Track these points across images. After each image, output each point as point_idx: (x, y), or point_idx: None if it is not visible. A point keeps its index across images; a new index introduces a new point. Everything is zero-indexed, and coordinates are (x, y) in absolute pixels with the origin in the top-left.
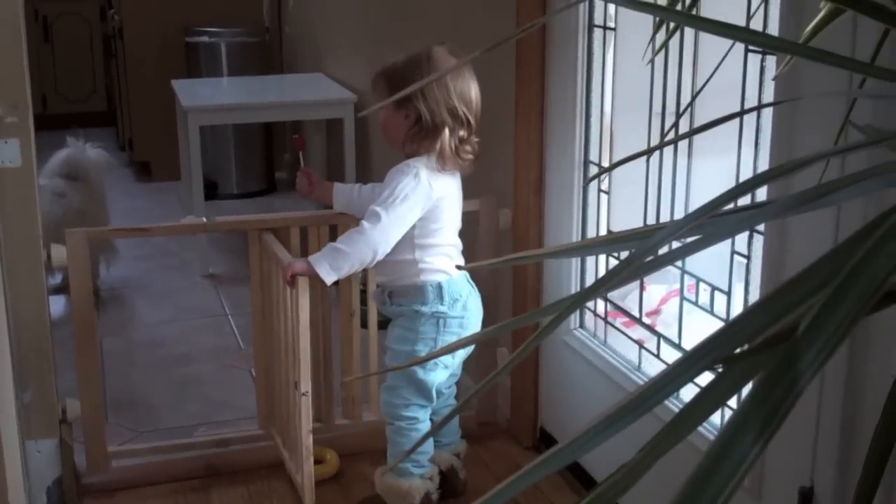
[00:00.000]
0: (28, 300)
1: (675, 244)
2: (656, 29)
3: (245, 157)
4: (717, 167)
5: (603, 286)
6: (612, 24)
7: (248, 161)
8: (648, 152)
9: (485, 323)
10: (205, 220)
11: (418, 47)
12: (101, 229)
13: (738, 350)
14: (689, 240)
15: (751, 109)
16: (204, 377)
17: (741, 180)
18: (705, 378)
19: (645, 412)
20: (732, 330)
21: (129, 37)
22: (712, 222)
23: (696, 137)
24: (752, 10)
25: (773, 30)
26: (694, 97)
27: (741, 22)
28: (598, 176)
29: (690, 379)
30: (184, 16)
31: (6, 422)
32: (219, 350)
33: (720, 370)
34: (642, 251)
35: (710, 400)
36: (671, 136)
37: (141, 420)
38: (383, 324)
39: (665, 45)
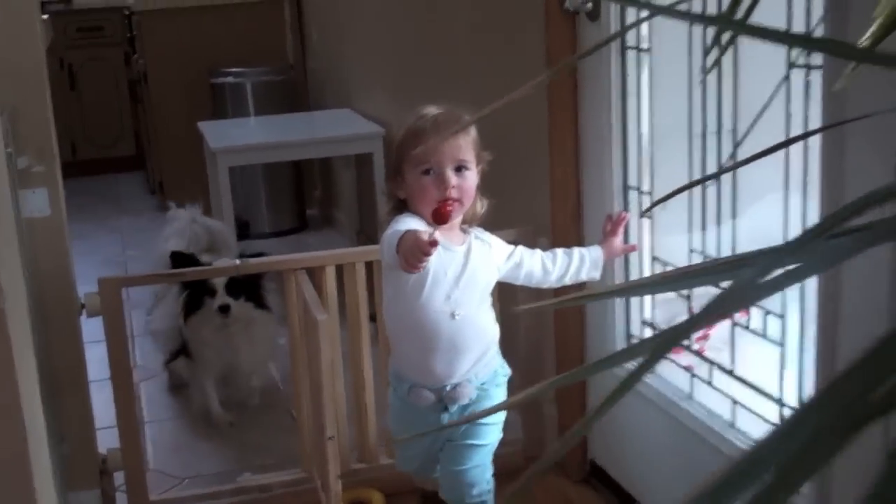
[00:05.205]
0: (64, 350)
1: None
2: (714, 41)
3: (275, 195)
4: (763, 183)
5: (705, 318)
6: (645, 46)
7: (279, 199)
8: (703, 181)
9: (528, 355)
10: (237, 262)
11: (441, 108)
12: (137, 276)
13: None
14: (789, 268)
15: (799, 138)
16: (244, 419)
17: (789, 199)
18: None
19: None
20: None
21: (153, 81)
22: (812, 250)
23: (742, 156)
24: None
25: None
26: (750, 127)
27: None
28: (651, 208)
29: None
30: (207, 57)
31: (41, 475)
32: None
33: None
34: (745, 281)
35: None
36: (718, 165)
37: (184, 465)
38: None
39: (720, 59)
